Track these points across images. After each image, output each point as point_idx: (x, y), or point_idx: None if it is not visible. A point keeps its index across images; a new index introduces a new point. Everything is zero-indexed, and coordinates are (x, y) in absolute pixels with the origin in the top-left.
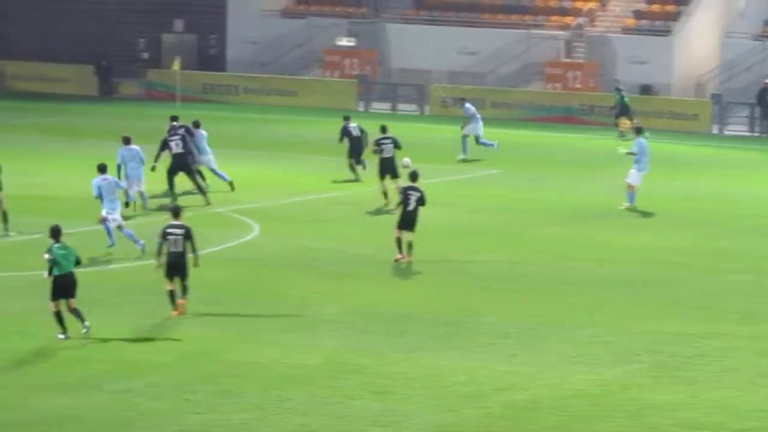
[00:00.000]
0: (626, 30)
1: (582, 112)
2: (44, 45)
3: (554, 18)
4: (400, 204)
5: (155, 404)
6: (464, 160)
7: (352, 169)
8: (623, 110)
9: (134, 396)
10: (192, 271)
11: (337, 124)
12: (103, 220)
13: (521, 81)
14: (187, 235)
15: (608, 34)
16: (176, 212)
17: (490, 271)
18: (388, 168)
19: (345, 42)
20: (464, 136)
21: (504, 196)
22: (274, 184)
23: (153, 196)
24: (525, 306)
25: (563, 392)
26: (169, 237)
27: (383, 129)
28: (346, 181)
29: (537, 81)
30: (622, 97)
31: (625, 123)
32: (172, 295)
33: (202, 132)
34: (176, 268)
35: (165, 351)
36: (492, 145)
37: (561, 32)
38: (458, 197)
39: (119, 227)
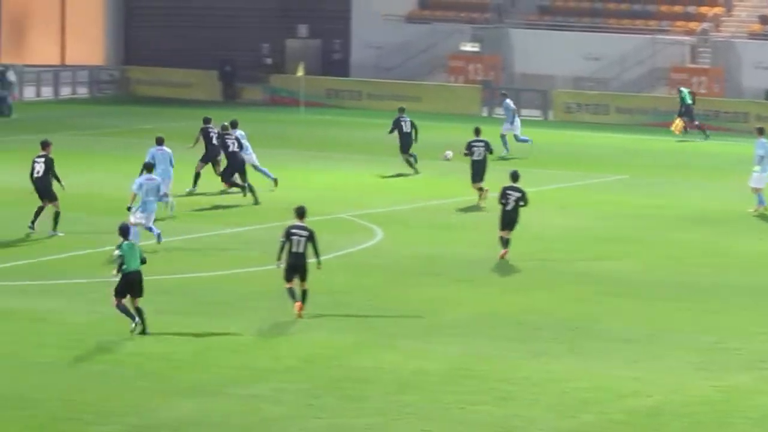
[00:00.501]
0: (752, 35)
1: (707, 118)
2: (168, 50)
3: (679, 23)
4: (499, 203)
5: (279, 409)
6: (504, 158)
7: (408, 163)
8: (687, 111)
9: (258, 401)
10: (314, 275)
11: (462, 130)
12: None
13: (646, 86)
14: (311, 237)
15: (733, 40)
16: (301, 213)
17: (614, 277)
18: (479, 171)
19: (469, 47)
20: (503, 135)
21: (628, 202)
22: (397, 189)
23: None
24: (648, 312)
25: (685, 398)
26: (293, 237)
27: (476, 131)
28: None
29: (661, 86)
30: (684, 99)
31: (679, 124)
32: (292, 292)
33: (241, 132)
34: (297, 268)
35: (289, 356)
36: (527, 140)
37: (686, 38)
38: (582, 203)
39: (149, 228)
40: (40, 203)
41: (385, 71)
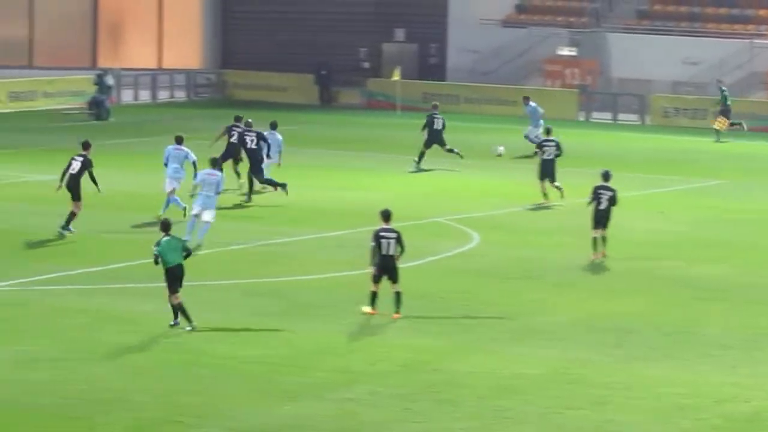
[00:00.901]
0: None
1: None
2: (265, 54)
3: None
4: (590, 203)
5: (376, 413)
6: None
7: (421, 156)
8: (724, 111)
9: (355, 405)
10: (412, 279)
11: (561, 134)
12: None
13: (744, 91)
14: (399, 239)
15: None
16: (387, 216)
17: (711, 281)
18: (547, 170)
19: (566, 51)
20: (527, 136)
21: (726, 206)
22: (493, 193)
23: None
24: (747, 317)
25: None
26: (382, 241)
27: (548, 131)
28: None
29: (759, 91)
30: (725, 98)
31: (722, 122)
32: (375, 296)
33: (278, 136)
34: (387, 270)
35: (385, 360)
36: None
37: None
38: (679, 207)
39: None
40: (71, 208)
41: (481, 75)
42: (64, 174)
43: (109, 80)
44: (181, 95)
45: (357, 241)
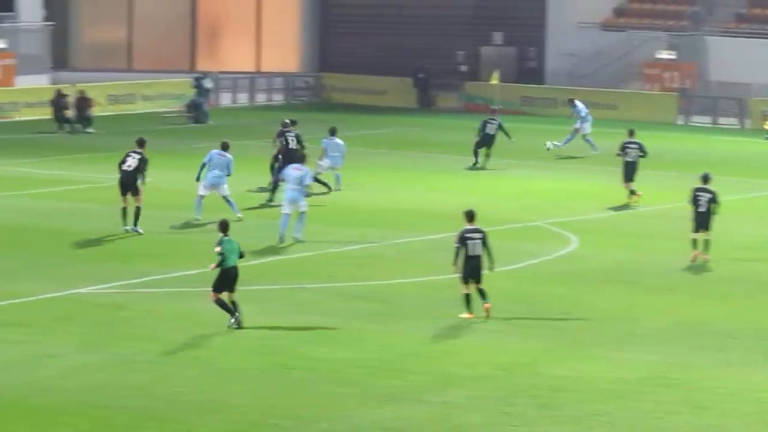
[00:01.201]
0: None
1: None
2: (362, 57)
3: None
4: (693, 205)
5: (474, 416)
6: (597, 154)
7: (487, 156)
8: None
9: (453, 408)
10: (509, 283)
11: (659, 139)
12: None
13: None
14: (484, 240)
15: None
16: (471, 216)
17: None
18: (630, 172)
19: (665, 55)
20: (584, 136)
21: None
22: (593, 196)
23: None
24: None
25: None
26: (468, 242)
27: (631, 133)
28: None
29: None
30: None
31: None
32: (468, 298)
33: (338, 141)
34: (475, 271)
35: (483, 363)
36: (569, 140)
37: None
38: None
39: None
40: (121, 204)
41: (580, 79)
42: (119, 168)
43: (208, 83)
44: (279, 98)
45: (452, 245)
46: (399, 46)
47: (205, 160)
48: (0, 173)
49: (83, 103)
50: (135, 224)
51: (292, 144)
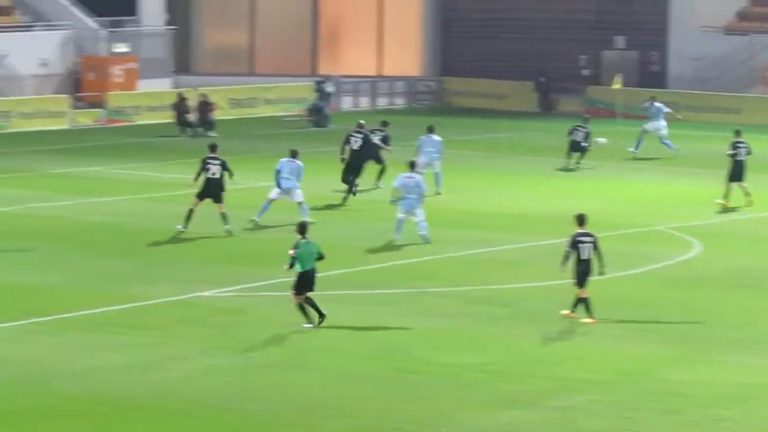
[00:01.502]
0: None
1: None
2: (483, 61)
3: None
4: None
5: (596, 421)
6: (635, 155)
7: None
8: None
9: (574, 413)
10: (630, 288)
11: None
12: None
13: None
14: (595, 244)
15: None
16: (582, 220)
17: None
18: (739, 171)
19: None
20: (661, 138)
21: None
22: (701, 200)
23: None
24: None
25: None
26: (580, 246)
27: (737, 133)
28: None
29: None
30: None
31: None
32: (587, 302)
33: (435, 138)
34: (587, 275)
35: (604, 369)
36: (671, 146)
37: None
38: None
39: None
40: (191, 205)
41: (702, 83)
42: (198, 175)
43: (329, 87)
44: (400, 102)
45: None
46: (520, 50)
47: (278, 167)
48: (122, 177)
49: (205, 107)
50: (227, 222)
51: (355, 146)
